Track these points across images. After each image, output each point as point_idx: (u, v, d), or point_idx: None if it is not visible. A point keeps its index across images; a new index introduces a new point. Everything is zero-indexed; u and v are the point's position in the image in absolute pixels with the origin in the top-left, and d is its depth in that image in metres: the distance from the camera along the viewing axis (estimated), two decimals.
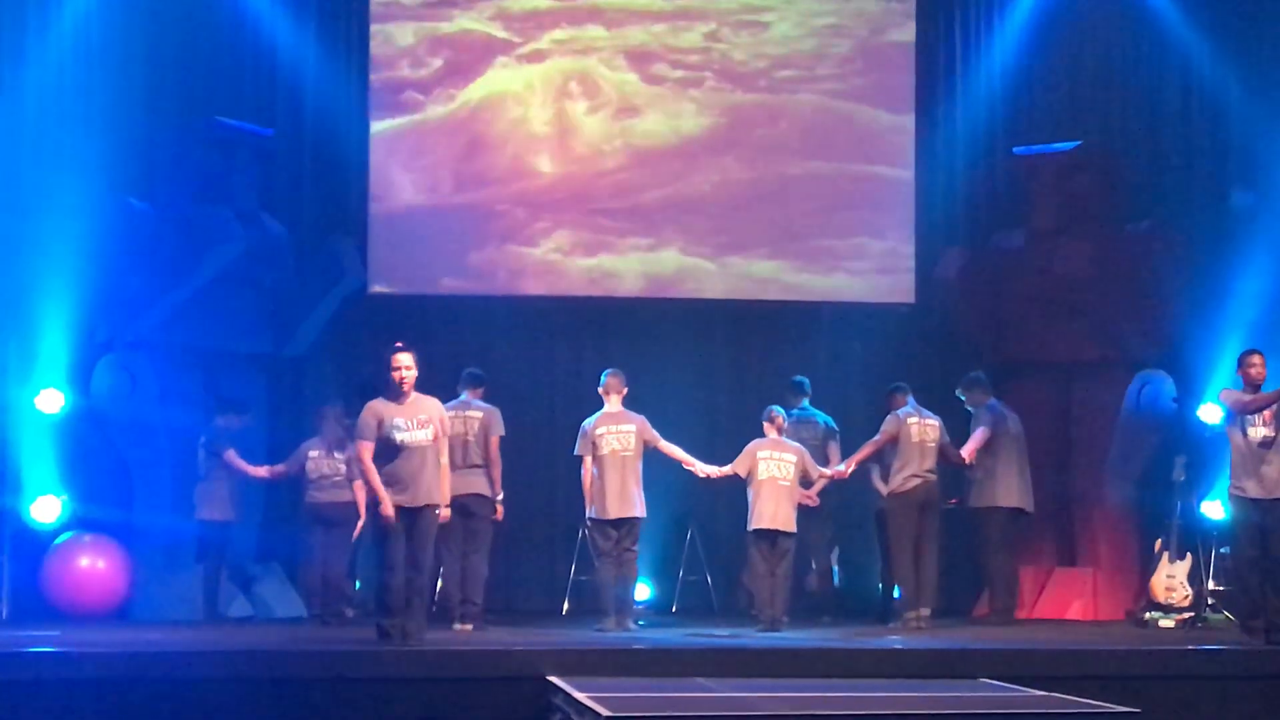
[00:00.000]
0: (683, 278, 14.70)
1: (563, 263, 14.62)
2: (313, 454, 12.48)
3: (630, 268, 14.67)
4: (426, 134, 14.62)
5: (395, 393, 10.33)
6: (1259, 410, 11.09)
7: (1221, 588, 12.85)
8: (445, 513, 10.61)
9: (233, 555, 13.11)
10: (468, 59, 14.69)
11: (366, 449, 10.27)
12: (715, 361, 15.03)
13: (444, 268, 14.56)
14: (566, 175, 14.69)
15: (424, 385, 10.49)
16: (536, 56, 14.70)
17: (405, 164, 14.59)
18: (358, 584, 13.07)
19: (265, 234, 13.87)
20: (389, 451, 10.26)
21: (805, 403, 13.32)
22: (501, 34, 14.68)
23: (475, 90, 14.66)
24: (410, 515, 10.25)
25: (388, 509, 10.17)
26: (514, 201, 14.65)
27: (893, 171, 14.89)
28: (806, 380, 13.47)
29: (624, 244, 14.67)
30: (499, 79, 14.67)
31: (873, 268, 14.85)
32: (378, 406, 10.32)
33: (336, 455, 12.43)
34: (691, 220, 14.74)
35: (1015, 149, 14.70)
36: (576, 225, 14.66)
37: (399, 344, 10.46)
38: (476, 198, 14.64)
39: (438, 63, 14.67)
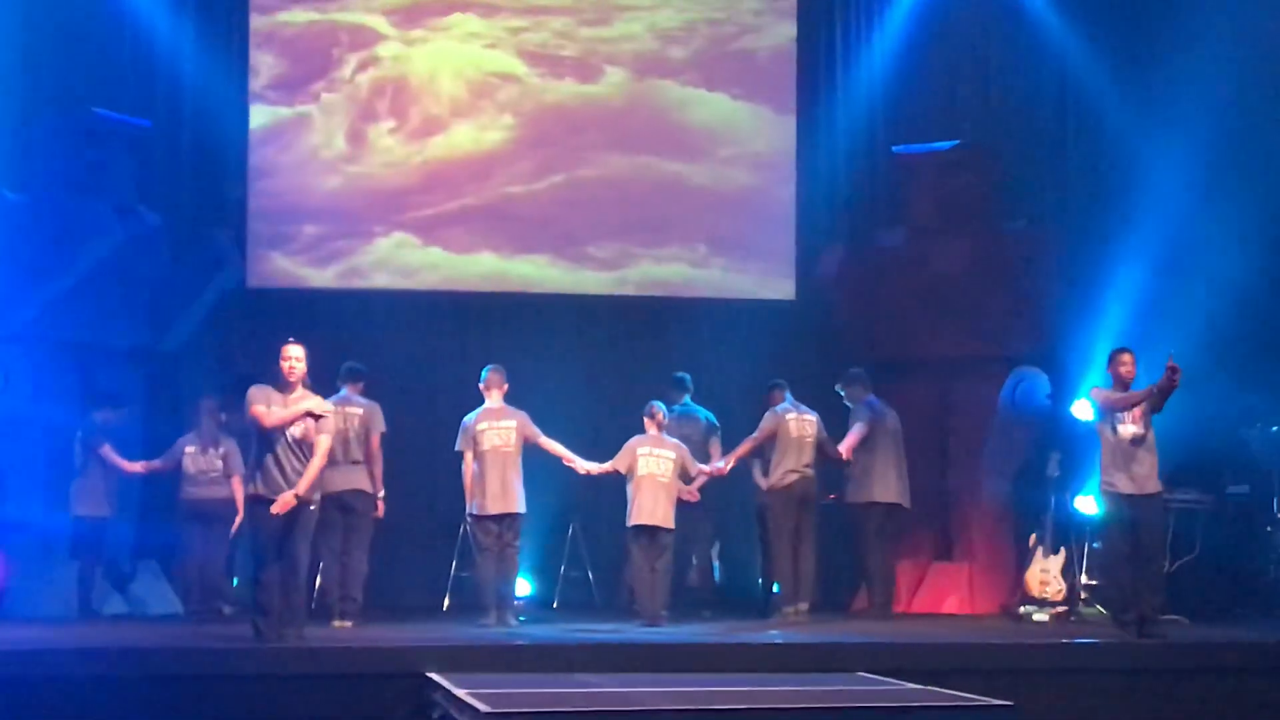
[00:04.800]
0: (564, 273, 14.72)
1: (443, 258, 14.58)
2: (189, 449, 12.39)
3: (512, 263, 14.66)
4: (304, 126, 14.54)
5: (282, 384, 10.28)
6: (1129, 408, 11.25)
7: (1094, 582, 13.05)
8: (290, 500, 10.29)
9: (108, 552, 12.95)
10: (341, 49, 14.64)
11: (261, 414, 10.19)
12: (597, 357, 15.03)
13: (323, 261, 14.47)
14: (453, 164, 14.65)
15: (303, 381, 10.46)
16: (414, 43, 14.71)
17: (283, 157, 14.51)
18: (235, 581, 12.95)
19: (142, 226, 13.70)
20: (262, 442, 10.20)
21: (687, 399, 13.37)
22: (375, 23, 14.65)
23: (352, 79, 14.62)
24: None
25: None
26: (392, 195, 14.60)
27: (774, 169, 14.99)
28: (688, 376, 13.52)
29: (508, 239, 14.67)
30: (378, 64, 14.64)
31: (754, 265, 14.96)
32: (267, 390, 10.27)
33: (213, 451, 12.35)
34: (575, 216, 14.76)
35: (894, 148, 14.83)
36: (456, 219, 14.62)
37: (291, 338, 10.41)
38: (355, 191, 14.57)
39: (312, 54, 14.61)
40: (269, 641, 10.06)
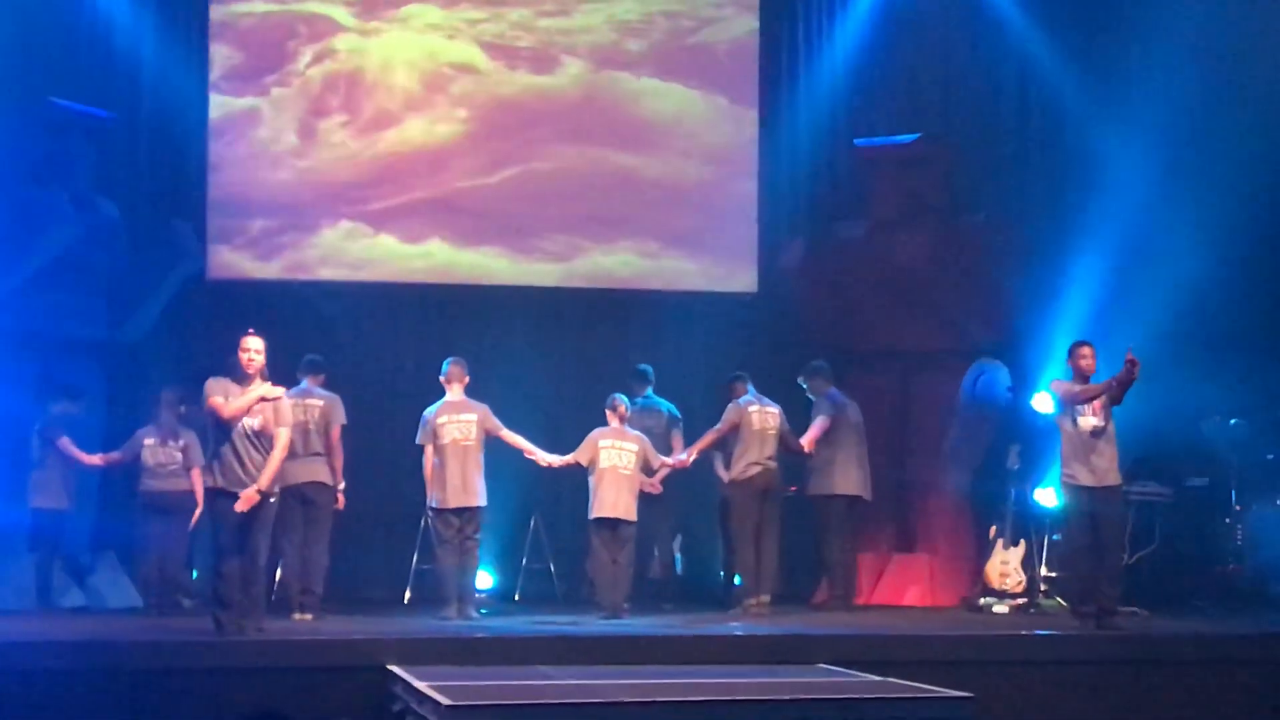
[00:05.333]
0: (525, 265, 14.69)
1: (405, 250, 14.53)
2: (148, 441, 12.34)
3: (471, 256, 14.63)
4: (260, 118, 14.44)
5: (240, 376, 10.26)
6: (1089, 401, 11.30)
7: (1054, 574, 13.11)
8: (254, 496, 10.24)
9: (67, 544, 12.87)
10: (298, 40, 14.54)
11: (219, 405, 10.17)
12: (559, 350, 15.00)
13: (284, 253, 14.40)
14: (410, 156, 14.59)
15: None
16: (371, 34, 14.65)
17: (241, 149, 14.42)
18: (195, 573, 12.90)
19: (101, 218, 13.62)
20: (220, 434, 10.18)
21: (649, 391, 13.39)
22: (333, 13, 14.58)
23: (308, 70, 14.52)
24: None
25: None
26: (351, 188, 14.53)
27: (735, 162, 14.98)
28: (650, 369, 13.54)
29: (465, 232, 14.63)
30: (335, 56, 14.57)
31: (716, 258, 14.96)
32: (224, 382, 10.27)
33: (172, 443, 12.30)
34: (534, 209, 14.72)
35: (856, 141, 14.85)
36: (417, 211, 14.57)
37: (250, 330, 10.41)
38: (316, 182, 14.50)
39: (269, 45, 14.50)
40: (229, 634, 10.03)
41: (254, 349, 10.33)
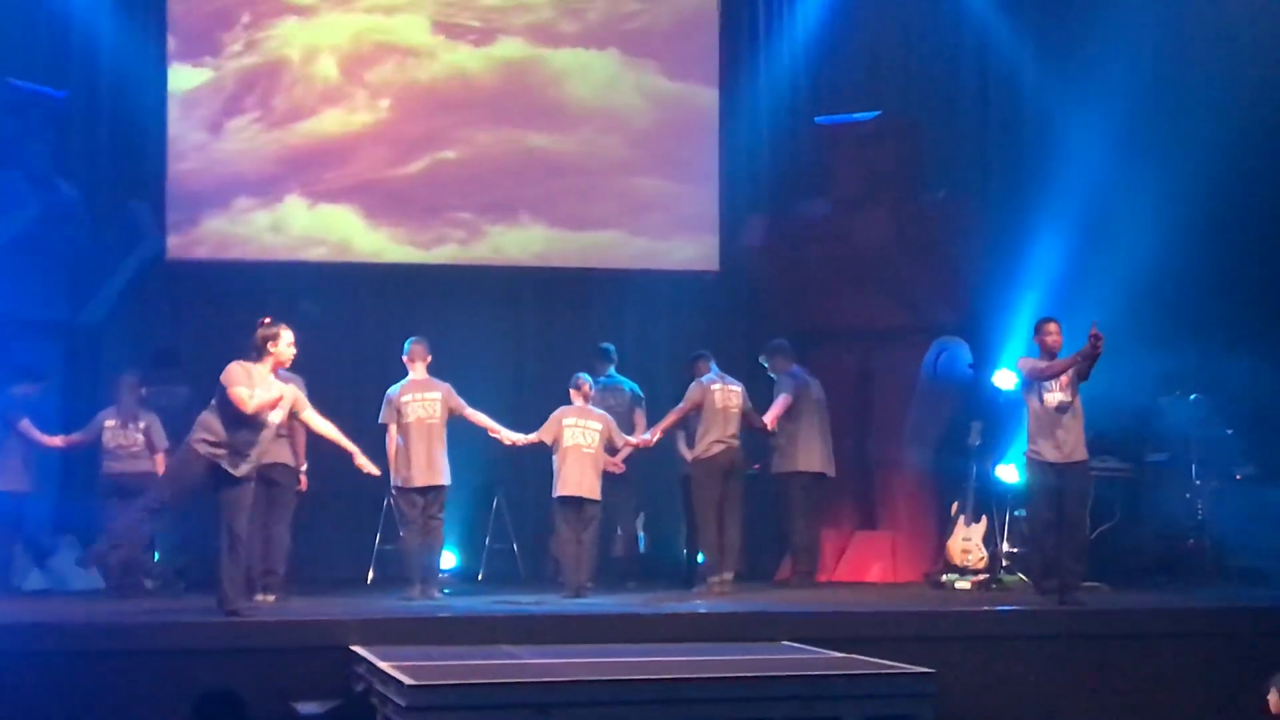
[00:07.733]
0: (487, 244, 14.66)
1: (363, 228, 14.48)
2: (109, 424, 12.29)
3: (435, 234, 14.59)
4: (222, 93, 14.36)
5: (270, 364, 10.30)
6: (1055, 377, 11.34)
7: (1016, 549, 13.15)
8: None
9: (28, 527, 12.82)
10: (249, 17, 14.45)
11: (244, 398, 10.10)
12: (522, 329, 15.01)
13: (244, 233, 14.34)
14: (368, 134, 14.55)
15: (227, 354, 10.42)
16: (318, 12, 14.56)
17: (201, 127, 14.34)
18: (156, 555, 12.85)
19: (59, 199, 13.54)
20: (242, 423, 10.15)
21: (612, 370, 13.38)
22: None
23: (267, 45, 14.45)
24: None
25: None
26: (313, 165, 14.46)
27: (697, 139, 14.97)
28: (613, 347, 13.54)
29: (431, 208, 14.60)
30: (291, 33, 14.49)
31: (677, 236, 14.95)
32: (249, 369, 10.23)
33: (132, 426, 12.25)
34: (496, 185, 14.69)
35: (817, 118, 14.86)
36: (381, 187, 14.53)
37: (268, 319, 10.44)
38: (275, 161, 14.42)
39: (220, 22, 14.40)
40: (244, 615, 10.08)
41: (293, 341, 10.40)
